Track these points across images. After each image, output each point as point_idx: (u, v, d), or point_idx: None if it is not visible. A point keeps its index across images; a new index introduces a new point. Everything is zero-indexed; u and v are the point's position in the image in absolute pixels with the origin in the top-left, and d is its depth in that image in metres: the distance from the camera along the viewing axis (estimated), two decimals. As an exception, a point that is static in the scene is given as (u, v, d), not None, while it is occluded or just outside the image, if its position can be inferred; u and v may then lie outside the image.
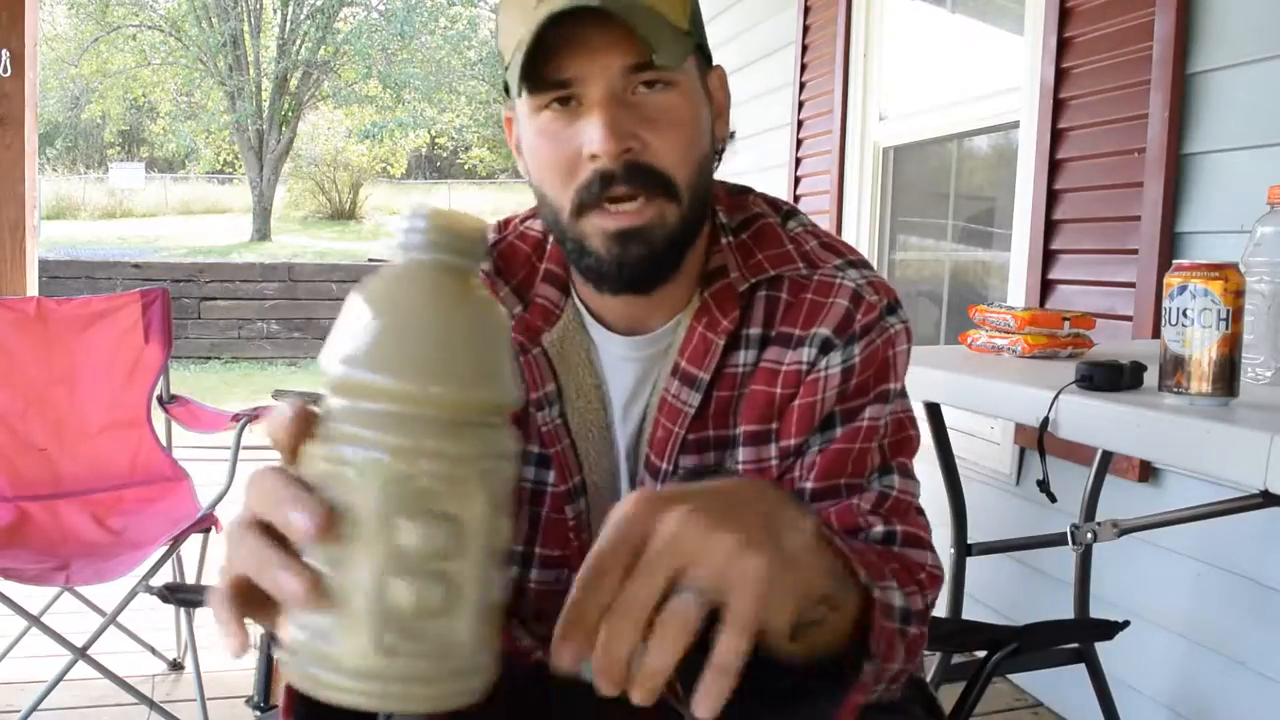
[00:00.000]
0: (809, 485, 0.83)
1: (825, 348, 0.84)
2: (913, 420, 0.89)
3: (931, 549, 0.84)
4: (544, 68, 0.77)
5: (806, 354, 0.85)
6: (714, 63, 0.88)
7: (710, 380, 0.86)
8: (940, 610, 1.26)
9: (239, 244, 18.65)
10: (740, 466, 0.86)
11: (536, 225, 0.93)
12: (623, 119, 0.77)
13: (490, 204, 24.17)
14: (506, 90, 0.83)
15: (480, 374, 0.46)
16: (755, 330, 0.86)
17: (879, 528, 0.81)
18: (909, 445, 0.88)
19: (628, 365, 0.89)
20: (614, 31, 0.76)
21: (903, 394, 0.88)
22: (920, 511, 0.86)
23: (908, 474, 0.86)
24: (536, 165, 0.82)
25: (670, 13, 0.79)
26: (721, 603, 0.49)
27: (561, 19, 0.74)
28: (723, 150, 0.88)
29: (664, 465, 0.87)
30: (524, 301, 0.90)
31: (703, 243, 0.87)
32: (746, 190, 0.94)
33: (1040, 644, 1.44)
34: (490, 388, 0.47)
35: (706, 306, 0.86)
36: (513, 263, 0.91)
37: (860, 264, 0.89)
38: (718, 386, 0.86)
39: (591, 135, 0.77)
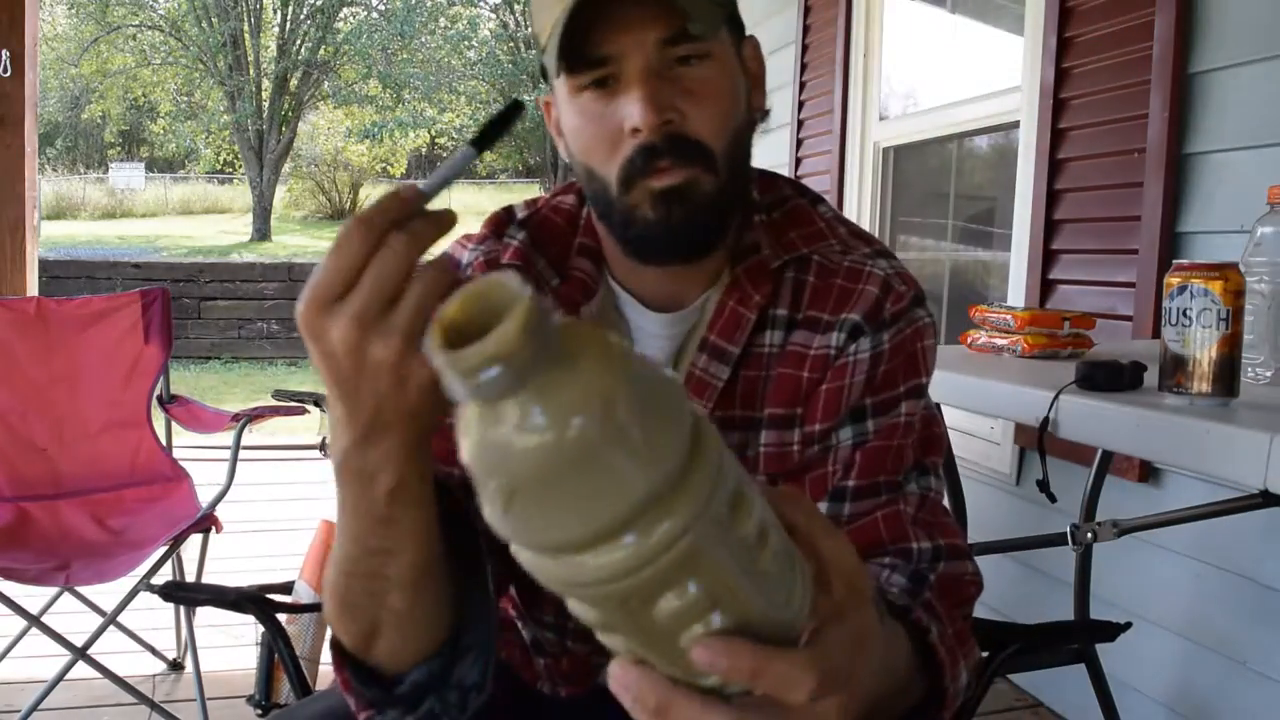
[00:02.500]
0: (850, 484, 0.83)
1: (855, 333, 0.85)
2: (938, 418, 0.90)
3: (969, 556, 0.85)
4: (581, 46, 0.77)
5: (835, 339, 0.85)
6: (746, 33, 0.88)
7: (739, 358, 0.86)
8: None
9: (239, 244, 18.64)
10: (763, 450, 0.86)
11: (568, 200, 0.92)
12: (661, 92, 0.78)
13: (490, 204, 24.17)
14: (544, 75, 0.83)
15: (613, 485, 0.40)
16: (783, 311, 0.87)
17: (926, 544, 0.81)
18: (938, 444, 0.88)
19: (659, 342, 0.88)
20: (647, 6, 0.76)
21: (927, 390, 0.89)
22: (946, 511, 0.87)
23: (938, 474, 0.87)
24: (580, 146, 0.83)
25: None
26: None
27: None
28: (762, 119, 0.88)
29: None
30: (561, 275, 0.89)
31: (736, 219, 0.88)
32: (774, 174, 0.94)
33: (1043, 646, 1.43)
34: (637, 483, 0.40)
35: (738, 282, 0.86)
36: (548, 236, 0.90)
37: (887, 254, 0.90)
38: (745, 366, 0.86)
39: (631, 110, 0.77)
